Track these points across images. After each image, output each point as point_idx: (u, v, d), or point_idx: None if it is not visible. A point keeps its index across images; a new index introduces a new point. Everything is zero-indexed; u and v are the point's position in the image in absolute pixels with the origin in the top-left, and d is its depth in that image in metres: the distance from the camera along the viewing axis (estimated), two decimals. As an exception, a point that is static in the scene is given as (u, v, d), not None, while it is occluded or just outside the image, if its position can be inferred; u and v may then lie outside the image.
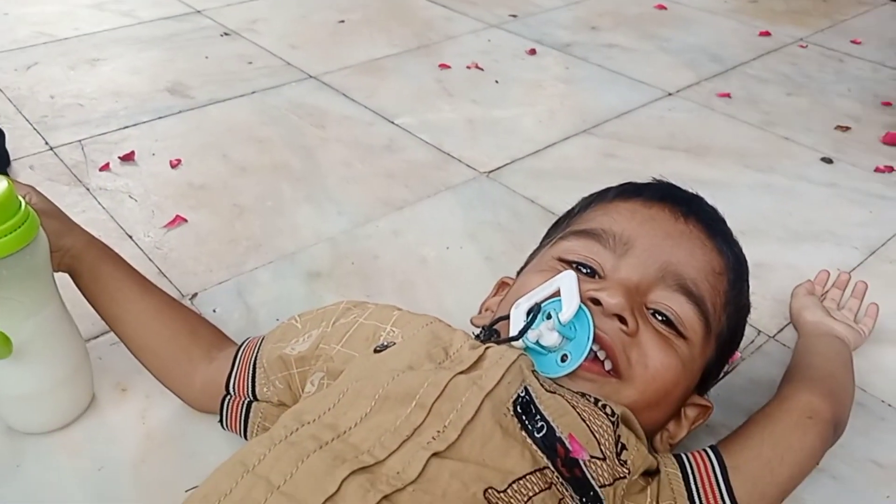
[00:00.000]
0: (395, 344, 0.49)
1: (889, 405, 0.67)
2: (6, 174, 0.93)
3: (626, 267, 0.52)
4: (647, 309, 0.51)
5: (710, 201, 0.92)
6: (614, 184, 0.62)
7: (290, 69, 1.27)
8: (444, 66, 1.29)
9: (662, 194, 0.57)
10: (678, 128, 1.12)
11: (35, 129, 1.06)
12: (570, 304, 0.48)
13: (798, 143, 1.09)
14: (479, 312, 0.62)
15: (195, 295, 0.77)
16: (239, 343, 0.61)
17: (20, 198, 0.52)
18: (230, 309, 0.75)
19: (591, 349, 0.47)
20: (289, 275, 0.80)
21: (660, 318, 0.51)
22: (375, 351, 0.49)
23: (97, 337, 0.70)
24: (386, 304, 0.57)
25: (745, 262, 0.58)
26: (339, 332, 0.53)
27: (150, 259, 0.82)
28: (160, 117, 1.11)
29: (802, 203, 0.95)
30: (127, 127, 1.08)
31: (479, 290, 0.66)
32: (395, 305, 0.56)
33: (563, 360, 0.48)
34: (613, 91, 1.23)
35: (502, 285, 0.63)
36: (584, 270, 0.53)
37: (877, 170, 1.02)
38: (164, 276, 0.79)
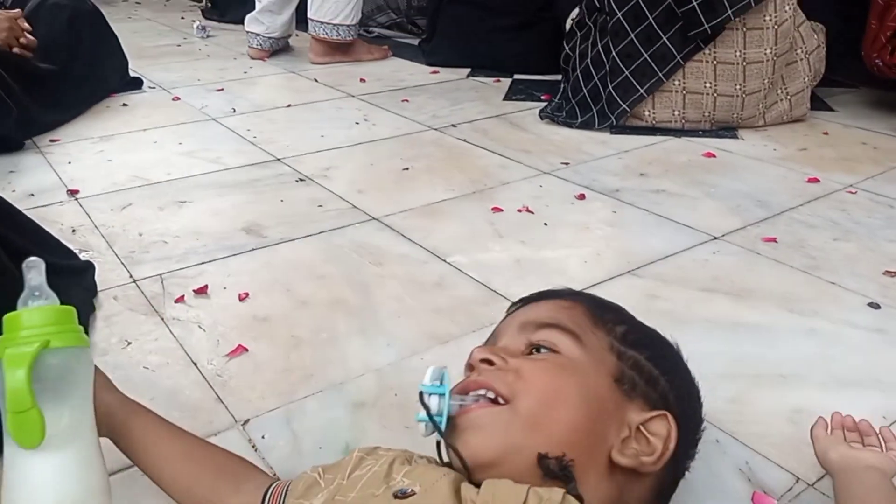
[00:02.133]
0: (414, 493, 0.51)
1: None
2: (93, 305, 1.03)
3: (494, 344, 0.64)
4: (526, 354, 0.60)
5: (751, 344, 0.94)
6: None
7: (355, 211, 1.38)
8: (496, 210, 1.37)
9: (526, 297, 0.70)
10: (722, 271, 1.14)
11: (122, 262, 1.18)
12: (427, 371, 0.58)
13: (844, 287, 1.09)
14: None
15: (247, 421, 0.82)
16: (266, 480, 0.64)
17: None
18: (277, 436, 0.80)
19: (464, 399, 0.56)
20: (335, 404, 0.85)
21: (536, 351, 0.60)
22: (395, 496, 0.51)
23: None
24: (400, 449, 0.60)
25: (599, 298, 0.70)
26: (354, 483, 0.56)
27: (210, 385, 0.88)
28: (234, 254, 1.21)
29: (847, 348, 0.95)
30: (204, 263, 1.18)
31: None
32: (407, 450, 0.59)
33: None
34: (659, 235, 1.27)
35: None
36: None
37: (927, 316, 1.01)
38: (222, 401, 0.85)
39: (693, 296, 1.08)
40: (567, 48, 2.00)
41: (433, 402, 0.56)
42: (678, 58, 1.76)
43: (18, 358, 0.54)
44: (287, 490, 0.60)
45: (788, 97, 1.87)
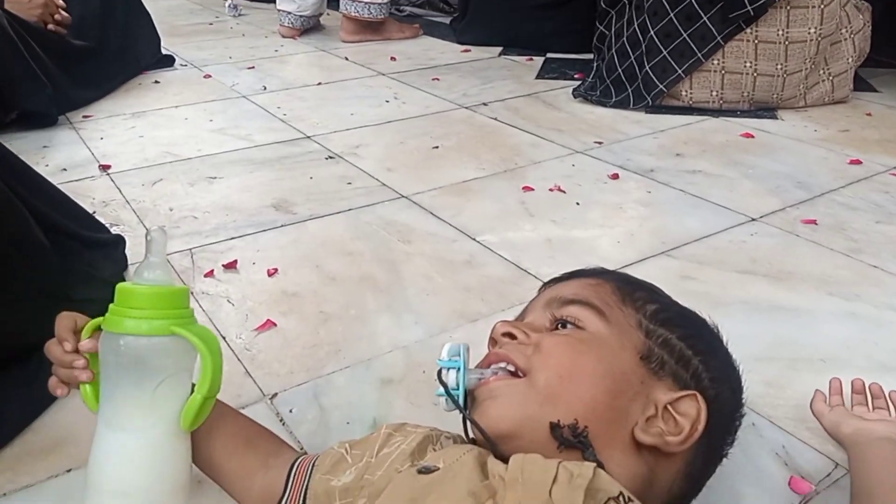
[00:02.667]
0: (437, 469, 0.50)
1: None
2: (123, 278, 1.04)
3: (521, 320, 0.64)
4: (551, 330, 0.60)
5: (790, 327, 0.92)
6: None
7: (384, 189, 1.37)
8: (527, 189, 1.35)
9: (557, 277, 0.68)
10: (760, 253, 1.11)
11: (154, 237, 1.18)
12: (444, 347, 0.59)
13: (887, 271, 1.06)
14: None
15: (275, 395, 0.82)
16: (293, 455, 0.63)
17: None
18: (305, 410, 0.79)
19: (483, 372, 0.57)
20: (363, 380, 0.84)
21: (562, 327, 0.59)
22: (419, 472, 0.50)
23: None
24: (428, 427, 0.59)
25: (633, 277, 0.68)
26: (382, 461, 0.55)
27: (239, 359, 0.88)
28: (263, 230, 1.21)
29: (889, 333, 0.92)
30: (233, 238, 1.18)
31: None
32: (436, 428, 0.59)
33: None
34: (695, 215, 1.24)
35: None
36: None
37: (975, 302, 0.97)
38: (250, 375, 0.85)
39: (730, 277, 1.05)
40: (601, 27, 1.96)
41: (450, 377, 0.56)
42: (718, 38, 1.71)
43: (213, 341, 0.55)
44: (314, 465, 0.60)
45: (831, 77, 1.82)
